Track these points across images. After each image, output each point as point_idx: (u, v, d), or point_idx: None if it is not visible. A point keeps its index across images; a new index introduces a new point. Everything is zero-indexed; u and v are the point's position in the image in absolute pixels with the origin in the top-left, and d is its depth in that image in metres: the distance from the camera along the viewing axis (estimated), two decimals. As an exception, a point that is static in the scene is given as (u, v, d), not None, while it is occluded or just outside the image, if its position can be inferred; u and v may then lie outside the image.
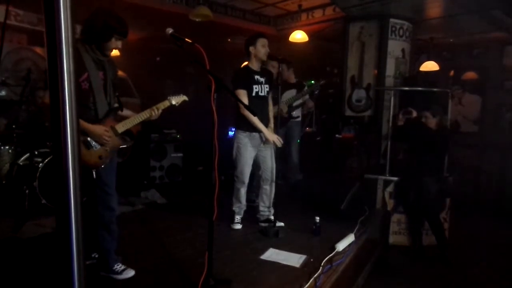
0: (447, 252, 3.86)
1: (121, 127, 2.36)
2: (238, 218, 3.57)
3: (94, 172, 2.25)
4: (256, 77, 3.41)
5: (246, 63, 3.51)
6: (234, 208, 3.55)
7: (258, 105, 3.35)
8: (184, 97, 2.62)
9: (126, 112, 2.46)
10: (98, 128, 2.23)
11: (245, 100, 3.23)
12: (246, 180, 3.46)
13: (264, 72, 3.51)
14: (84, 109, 2.20)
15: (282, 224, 3.48)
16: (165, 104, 2.54)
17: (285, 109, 4.37)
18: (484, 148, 6.41)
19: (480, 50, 7.05)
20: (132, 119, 2.42)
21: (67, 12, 0.73)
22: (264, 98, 3.48)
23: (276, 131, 4.25)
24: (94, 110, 2.25)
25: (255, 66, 3.43)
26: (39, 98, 3.88)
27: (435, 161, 4.04)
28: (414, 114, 4.14)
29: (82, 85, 2.17)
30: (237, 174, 3.47)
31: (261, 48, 3.35)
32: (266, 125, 3.45)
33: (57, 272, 0.82)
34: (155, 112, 2.46)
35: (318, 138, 6.24)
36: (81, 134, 2.16)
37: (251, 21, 6.64)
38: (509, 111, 6.71)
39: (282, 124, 4.48)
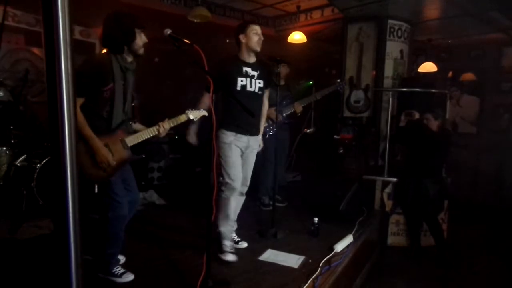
0: (445, 253, 3.86)
1: (131, 141, 2.32)
2: (227, 244, 2.80)
3: (96, 187, 2.21)
4: (245, 69, 2.87)
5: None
6: (221, 229, 2.83)
7: (243, 102, 2.72)
8: (204, 112, 2.55)
9: (136, 125, 2.43)
10: (104, 152, 2.17)
11: (206, 96, 2.79)
12: (238, 185, 2.83)
13: (259, 65, 2.95)
14: (97, 119, 2.18)
15: (245, 244, 3.08)
16: (182, 118, 2.47)
17: (299, 109, 4.18)
18: (482, 149, 6.43)
19: (478, 51, 7.08)
20: (142, 134, 2.36)
21: (65, 13, 0.72)
22: (254, 95, 2.91)
23: (275, 134, 4.18)
24: (108, 120, 2.22)
25: (246, 57, 2.91)
26: None
27: (435, 163, 4.05)
28: (417, 116, 4.14)
29: (103, 93, 2.15)
30: (226, 180, 2.79)
31: (253, 35, 2.83)
32: (251, 130, 2.91)
33: (55, 273, 0.81)
34: (162, 128, 2.40)
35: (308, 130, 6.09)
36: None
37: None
38: (506, 112, 6.73)
39: (289, 127, 4.42)
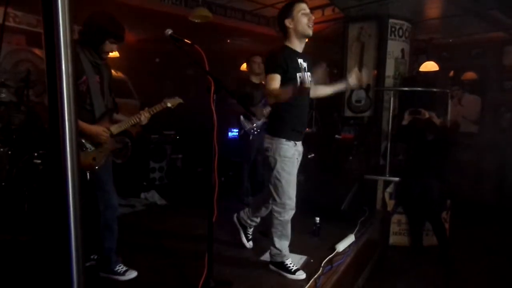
0: (448, 253, 3.85)
1: (116, 129, 2.38)
2: (291, 263, 2.58)
3: (88, 174, 2.25)
4: (300, 61, 2.45)
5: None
6: (284, 252, 2.59)
7: (302, 100, 2.47)
8: (179, 100, 2.61)
9: (118, 116, 2.48)
10: (95, 128, 2.25)
11: (276, 87, 2.35)
12: (294, 203, 2.55)
13: (305, 55, 2.54)
14: (81, 110, 2.23)
15: (252, 245, 3.08)
16: (162, 106, 2.53)
17: None
18: (484, 148, 6.41)
19: (479, 50, 7.06)
20: (125, 122, 2.42)
21: (66, 13, 0.72)
22: (308, 91, 2.56)
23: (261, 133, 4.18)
24: (91, 111, 2.28)
25: (297, 45, 2.45)
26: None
27: (441, 161, 4.05)
28: (427, 115, 4.08)
29: (79, 86, 2.20)
30: (284, 200, 2.47)
31: (302, 17, 2.36)
32: (304, 129, 2.58)
33: (56, 274, 0.81)
34: (143, 116, 2.44)
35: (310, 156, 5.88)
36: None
37: (250, 22, 6.65)
38: (508, 111, 6.71)
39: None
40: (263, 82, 4.32)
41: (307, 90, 2.38)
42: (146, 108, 2.49)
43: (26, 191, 3.44)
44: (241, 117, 4.10)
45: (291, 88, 2.29)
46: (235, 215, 3.09)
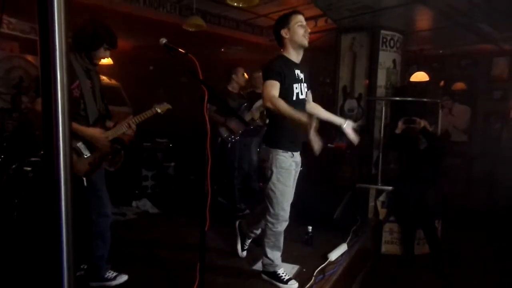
0: (440, 261, 3.87)
1: (110, 134, 2.38)
2: (283, 272, 2.58)
3: (84, 180, 2.24)
4: (297, 72, 2.43)
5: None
6: (275, 261, 2.58)
7: (300, 110, 2.35)
8: (168, 106, 2.63)
9: (108, 123, 2.48)
10: (92, 130, 2.26)
11: (276, 94, 2.30)
12: (288, 215, 2.53)
13: (303, 66, 2.52)
14: (76, 116, 2.23)
15: (245, 254, 3.09)
16: (152, 112, 2.54)
17: (256, 115, 4.18)
18: (474, 157, 6.50)
19: (469, 61, 7.20)
20: (119, 127, 2.43)
21: (62, 22, 0.73)
22: (304, 102, 2.52)
23: (250, 139, 4.20)
24: (85, 117, 2.28)
25: (294, 56, 2.45)
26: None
27: (433, 170, 4.10)
28: (423, 123, 4.11)
29: (73, 92, 2.20)
30: (278, 211, 2.46)
31: (299, 28, 2.37)
32: (301, 143, 2.54)
33: (47, 282, 0.81)
34: (138, 118, 2.45)
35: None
36: (74, 139, 2.18)
37: (244, 31, 6.70)
38: (497, 120, 6.83)
39: (256, 132, 4.39)
40: (241, 92, 4.40)
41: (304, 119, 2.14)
42: (131, 116, 2.49)
43: (15, 199, 3.39)
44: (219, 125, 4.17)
45: (292, 110, 2.16)
46: (238, 221, 3.05)
